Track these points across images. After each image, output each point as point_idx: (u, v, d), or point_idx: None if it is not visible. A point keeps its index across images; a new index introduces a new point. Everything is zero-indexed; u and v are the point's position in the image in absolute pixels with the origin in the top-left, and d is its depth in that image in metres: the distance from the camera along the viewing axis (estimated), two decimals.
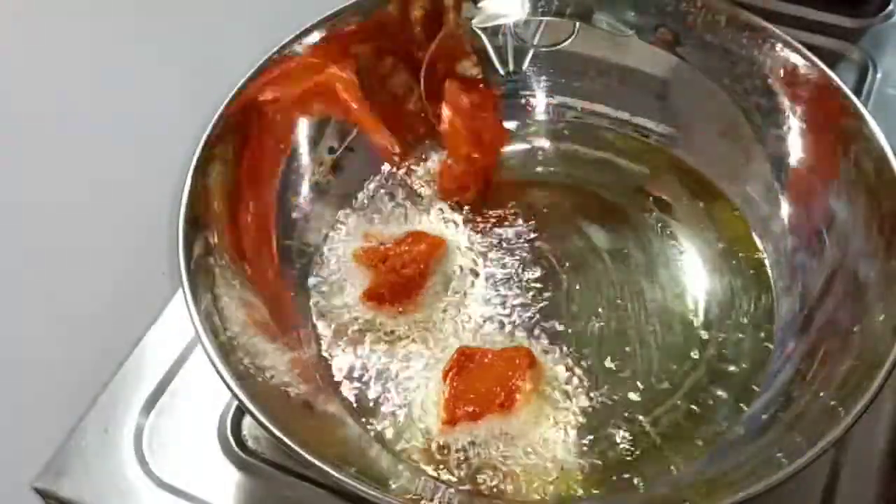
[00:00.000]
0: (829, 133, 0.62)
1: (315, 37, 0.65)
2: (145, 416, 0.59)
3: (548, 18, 0.71)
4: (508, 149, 0.70)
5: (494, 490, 0.54)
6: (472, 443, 0.55)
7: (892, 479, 0.57)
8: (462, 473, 0.55)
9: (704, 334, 0.60)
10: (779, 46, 0.64)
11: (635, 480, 0.55)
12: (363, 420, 0.57)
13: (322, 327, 0.61)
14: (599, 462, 0.55)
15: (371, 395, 0.58)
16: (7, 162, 0.78)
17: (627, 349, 0.60)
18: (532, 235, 0.65)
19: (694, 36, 0.68)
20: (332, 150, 0.67)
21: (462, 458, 0.55)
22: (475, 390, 0.56)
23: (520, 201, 0.67)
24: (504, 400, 0.55)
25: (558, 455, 0.55)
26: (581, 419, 0.57)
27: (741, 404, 0.57)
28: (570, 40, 0.71)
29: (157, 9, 0.87)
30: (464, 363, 0.57)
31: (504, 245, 0.65)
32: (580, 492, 0.54)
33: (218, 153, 0.59)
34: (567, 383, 0.58)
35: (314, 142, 0.66)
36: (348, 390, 0.58)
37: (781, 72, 0.64)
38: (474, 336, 0.60)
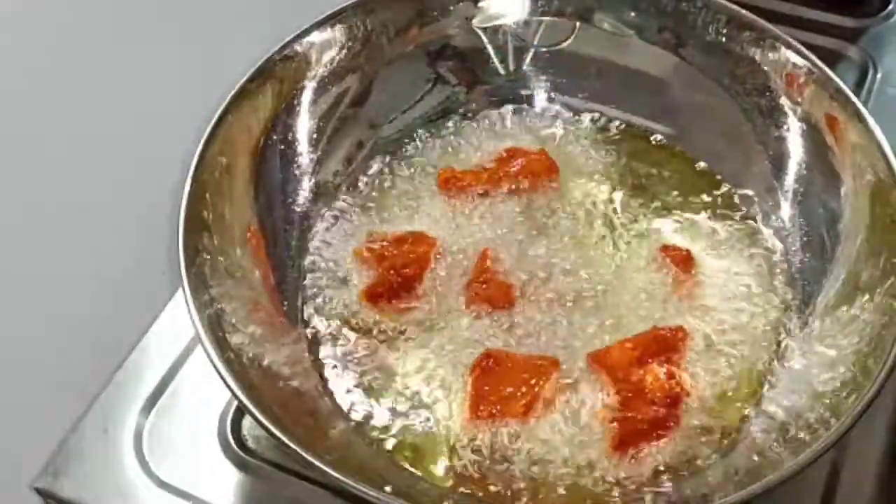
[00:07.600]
0: (829, 133, 0.62)
1: (316, 37, 0.65)
2: (145, 416, 0.59)
3: (548, 18, 0.71)
4: None
5: (506, 494, 0.54)
6: (483, 446, 0.55)
7: (891, 479, 0.57)
8: (473, 474, 0.55)
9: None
10: (779, 46, 0.64)
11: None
12: (363, 419, 0.57)
13: (322, 326, 0.61)
14: (625, 471, 0.54)
15: (370, 394, 0.58)
16: (7, 162, 0.78)
17: None
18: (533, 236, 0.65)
19: (694, 36, 0.68)
20: (360, 145, 0.67)
21: (472, 460, 0.55)
22: (498, 392, 0.56)
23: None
24: (527, 405, 0.55)
25: (582, 461, 0.55)
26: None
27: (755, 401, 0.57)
28: (570, 40, 0.71)
29: (156, 8, 0.87)
30: (489, 364, 0.57)
31: (504, 245, 0.64)
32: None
33: (218, 152, 0.59)
34: (588, 390, 0.57)
35: (317, 139, 0.66)
36: (348, 389, 0.58)
37: (781, 72, 0.64)
38: (475, 337, 0.60)
